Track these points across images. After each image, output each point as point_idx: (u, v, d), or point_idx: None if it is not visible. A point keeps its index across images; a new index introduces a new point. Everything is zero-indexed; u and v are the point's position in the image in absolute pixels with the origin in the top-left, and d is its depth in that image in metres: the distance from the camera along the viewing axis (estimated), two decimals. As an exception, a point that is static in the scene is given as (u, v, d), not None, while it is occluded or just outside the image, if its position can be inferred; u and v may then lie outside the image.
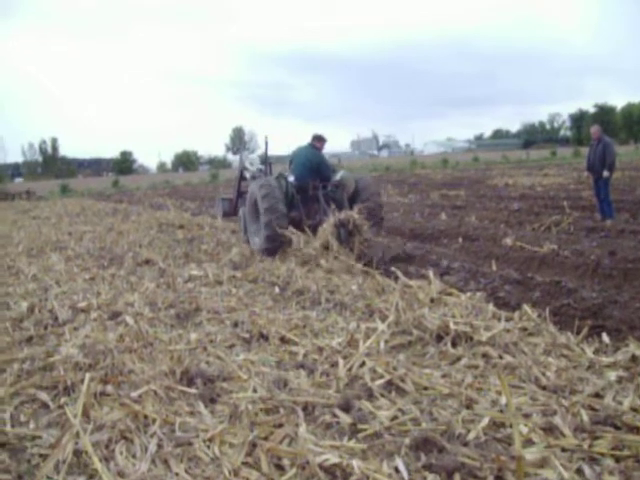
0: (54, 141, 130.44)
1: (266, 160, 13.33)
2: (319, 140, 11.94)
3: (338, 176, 11.63)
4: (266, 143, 13.54)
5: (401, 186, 26.92)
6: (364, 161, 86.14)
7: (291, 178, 11.48)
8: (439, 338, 5.76)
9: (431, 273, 7.74)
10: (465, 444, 3.79)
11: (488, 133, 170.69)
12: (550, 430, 3.92)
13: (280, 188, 11.06)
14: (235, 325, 6.59)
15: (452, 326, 5.79)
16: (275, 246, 10.59)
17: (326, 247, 9.85)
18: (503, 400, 4.30)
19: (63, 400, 4.85)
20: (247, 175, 13.38)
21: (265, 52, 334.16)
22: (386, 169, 53.79)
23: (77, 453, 3.90)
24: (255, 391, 4.75)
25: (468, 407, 4.32)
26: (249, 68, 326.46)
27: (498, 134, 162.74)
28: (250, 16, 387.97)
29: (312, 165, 11.41)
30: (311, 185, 11.24)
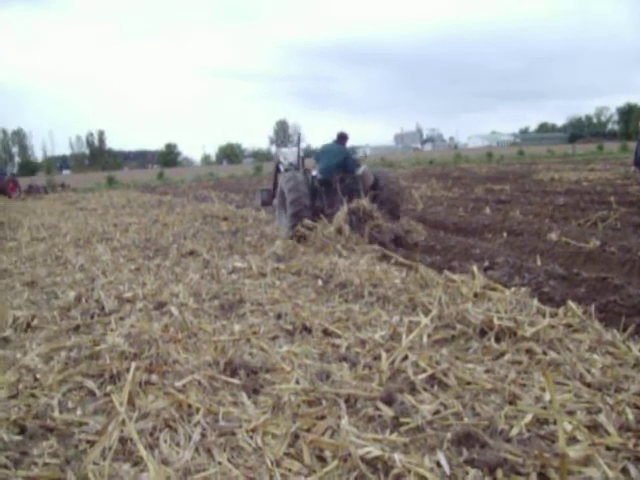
0: (101, 134, 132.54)
1: (298, 154, 14.00)
2: (343, 137, 13.13)
3: (360, 170, 12.60)
4: (298, 138, 15.20)
5: (445, 180, 26.77)
6: (407, 155, 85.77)
7: (314, 172, 12.61)
8: (482, 333, 5.72)
9: (475, 267, 7.69)
10: (508, 440, 3.76)
11: (533, 127, 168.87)
12: (594, 428, 3.87)
13: (306, 181, 12.19)
14: (278, 317, 6.63)
15: (496, 321, 5.74)
16: (299, 234, 11.44)
17: (340, 232, 10.88)
18: (547, 397, 4.26)
19: (109, 388, 4.92)
20: (281, 168, 14.32)
21: (309, 45, 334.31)
22: (430, 163, 53.55)
23: (122, 440, 3.95)
24: (298, 383, 4.77)
25: (511, 403, 4.28)
26: (293, 61, 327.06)
27: (544, 128, 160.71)
28: (294, 9, 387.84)
29: (338, 160, 12.43)
30: (335, 178, 12.23)
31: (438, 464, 3.52)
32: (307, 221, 11.49)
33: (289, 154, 14.61)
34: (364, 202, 11.39)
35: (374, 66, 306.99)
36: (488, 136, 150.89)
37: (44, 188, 40.46)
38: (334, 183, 12.23)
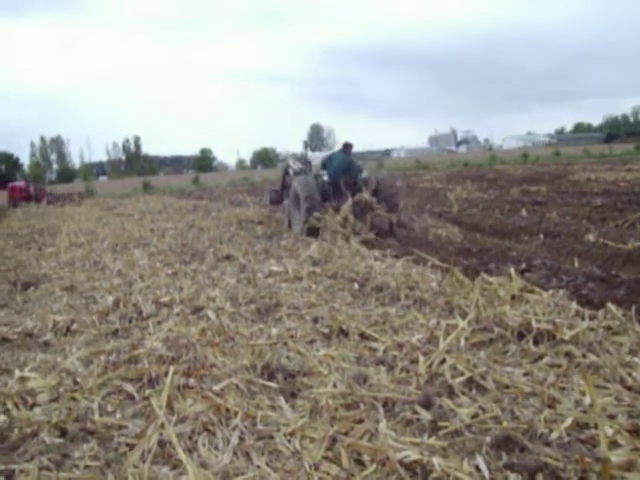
0: (137, 140, 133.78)
1: (305, 160, 15.94)
2: (348, 146, 14.80)
3: (363, 175, 14.56)
4: (305, 146, 16.37)
5: (480, 182, 26.59)
6: (442, 157, 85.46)
7: (325, 177, 14.30)
8: (520, 336, 5.68)
9: (512, 270, 7.63)
10: (547, 444, 3.72)
11: (569, 127, 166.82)
12: (636, 432, 3.82)
13: (317, 184, 14.09)
14: (315, 321, 6.64)
15: (534, 324, 5.70)
16: (312, 229, 13.15)
17: (346, 220, 12.86)
18: (587, 400, 4.21)
19: (148, 392, 4.95)
20: (290, 172, 16.26)
21: (343, 48, 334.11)
22: (464, 165, 53.26)
23: (162, 443, 3.98)
24: (335, 386, 4.77)
25: (550, 407, 4.25)
26: (327, 65, 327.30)
27: (579, 128, 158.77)
28: (327, 13, 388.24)
29: (343, 166, 14.34)
30: (341, 181, 14.04)
31: (477, 468, 3.50)
32: (317, 214, 13.21)
33: (314, 157, 15.96)
34: (365, 196, 13.46)
35: (408, 68, 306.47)
36: (523, 137, 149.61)
37: (66, 196, 40.65)
38: (341, 185, 14.00)
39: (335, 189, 14.13)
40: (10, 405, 4.85)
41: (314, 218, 13.16)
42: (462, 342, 5.56)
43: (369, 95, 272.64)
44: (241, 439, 4.05)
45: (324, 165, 14.83)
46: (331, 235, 12.44)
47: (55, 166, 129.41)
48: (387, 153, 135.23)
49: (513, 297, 6.75)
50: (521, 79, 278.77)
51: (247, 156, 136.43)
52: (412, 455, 3.61)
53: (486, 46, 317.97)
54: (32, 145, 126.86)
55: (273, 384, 4.95)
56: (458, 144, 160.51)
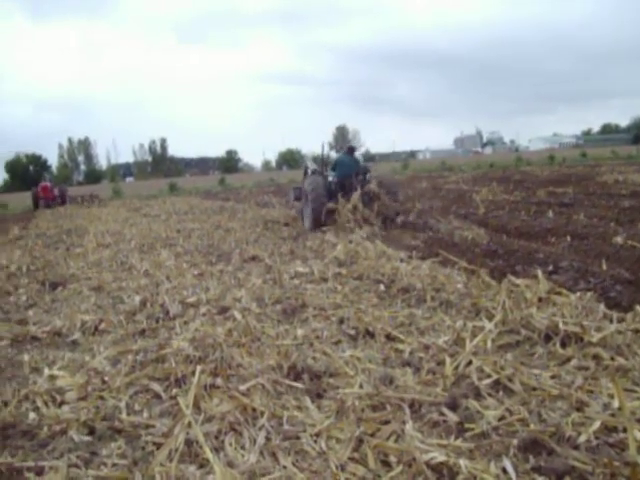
0: (163, 141, 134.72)
1: (322, 161, 17.68)
2: (352, 149, 17.52)
3: (368, 176, 16.21)
4: (322, 148, 17.76)
5: (506, 183, 26.40)
6: (467, 158, 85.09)
7: (330, 178, 16.04)
8: (548, 338, 5.64)
9: (539, 272, 7.59)
10: (575, 447, 3.70)
11: (596, 128, 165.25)
12: (666, 436, 3.79)
13: (324, 183, 15.57)
14: (341, 322, 6.65)
15: (561, 326, 5.66)
16: (318, 223, 14.79)
17: (355, 208, 14.72)
18: (615, 403, 4.17)
19: (175, 391, 4.99)
20: (309, 172, 17.51)
21: (368, 50, 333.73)
22: (490, 166, 52.94)
23: (188, 443, 4.01)
24: (361, 387, 4.78)
25: (578, 409, 4.21)
26: (352, 66, 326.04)
27: (607, 129, 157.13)
28: (352, 15, 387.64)
29: (350, 167, 16.07)
30: (348, 181, 15.71)
31: (504, 471, 3.49)
32: (331, 204, 14.97)
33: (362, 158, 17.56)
34: (373, 187, 15.34)
35: (433, 69, 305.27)
36: (549, 138, 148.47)
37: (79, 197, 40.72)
38: (352, 181, 15.67)
39: (344, 186, 15.70)
40: (40, 403, 4.93)
41: (321, 217, 14.81)
42: (489, 344, 5.53)
43: (395, 96, 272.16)
44: (267, 439, 4.07)
45: (334, 166, 16.62)
46: (341, 224, 14.44)
47: (83, 167, 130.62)
48: (412, 154, 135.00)
49: (540, 299, 6.71)
50: (548, 79, 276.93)
51: (272, 157, 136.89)
52: (439, 457, 3.61)
53: (513, 47, 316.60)
54: (60, 147, 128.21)
55: (299, 384, 4.96)
56: (484, 145, 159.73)
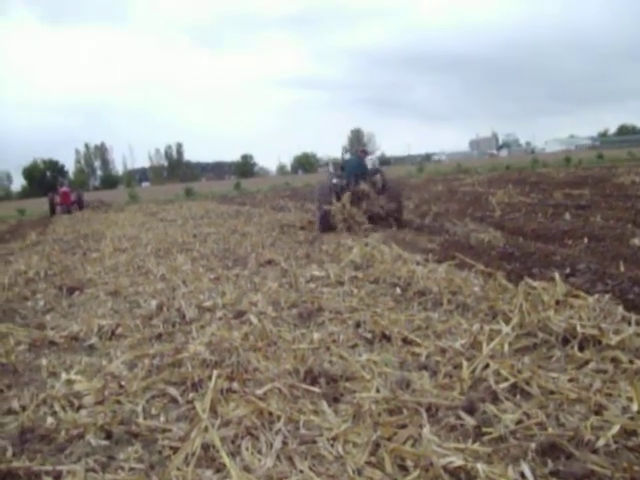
0: (179, 146, 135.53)
1: (342, 164, 17.99)
2: (364, 152, 18.19)
3: (374, 177, 16.64)
4: (345, 151, 19.36)
5: (522, 185, 26.25)
6: (483, 160, 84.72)
7: (334, 180, 16.56)
8: (565, 341, 5.60)
9: (556, 274, 7.55)
10: (594, 451, 3.67)
11: (613, 129, 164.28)
12: (686, 439, 3.75)
13: (331, 185, 16.24)
14: (357, 325, 6.63)
15: (579, 329, 5.62)
16: (325, 225, 15.32)
17: (344, 207, 15.28)
18: (634, 407, 4.13)
19: (191, 395, 5.02)
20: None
21: (382, 53, 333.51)
22: (506, 168, 52.72)
23: (205, 447, 4.01)
24: (378, 391, 4.76)
25: (597, 413, 4.17)
26: (367, 70, 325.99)
27: (624, 130, 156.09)
28: (367, 18, 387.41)
29: (356, 167, 16.88)
30: (359, 180, 16.34)
31: (522, 475, 3.47)
32: (326, 206, 15.36)
33: (369, 161, 17.70)
34: (363, 186, 16.00)
35: (448, 72, 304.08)
36: (566, 140, 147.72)
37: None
38: (359, 183, 16.21)
39: (349, 188, 16.19)
40: (57, 407, 4.96)
41: (328, 219, 15.33)
42: (506, 347, 5.50)
43: (411, 99, 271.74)
44: (284, 443, 4.06)
45: (342, 168, 17.39)
46: (337, 223, 15.19)
47: (99, 173, 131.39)
48: (428, 157, 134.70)
49: (557, 302, 6.66)
50: (563, 81, 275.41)
51: (288, 161, 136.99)
52: (456, 461, 3.59)
53: (527, 48, 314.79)
54: (77, 152, 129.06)
55: (316, 389, 4.96)
56: (499, 148, 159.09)
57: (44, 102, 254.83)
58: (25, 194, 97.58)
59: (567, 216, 14.84)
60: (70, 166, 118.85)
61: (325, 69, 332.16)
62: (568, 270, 8.57)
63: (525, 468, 3.51)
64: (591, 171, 35.98)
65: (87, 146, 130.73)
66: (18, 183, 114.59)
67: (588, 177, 28.99)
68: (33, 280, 11.60)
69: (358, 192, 15.89)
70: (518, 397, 4.56)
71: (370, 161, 17.67)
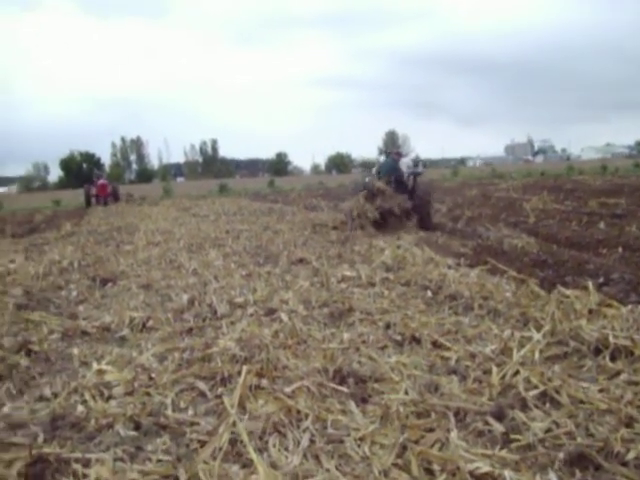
0: (214, 142, 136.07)
1: (377, 165, 18.47)
2: (397, 154, 18.30)
3: (405, 177, 17.10)
4: (380, 152, 19.94)
5: (557, 192, 26.01)
6: (518, 166, 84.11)
7: (367, 179, 17.10)
8: (597, 351, 5.54)
9: (589, 283, 7.48)
10: (624, 464, 3.63)
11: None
12: None
13: (362, 184, 16.64)
14: (387, 327, 6.63)
15: (611, 339, 5.56)
16: (355, 224, 15.54)
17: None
18: (666, 420, 4.11)
19: (220, 390, 5.04)
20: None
21: (418, 54, 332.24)
22: (541, 174, 52.29)
23: (232, 442, 4.04)
24: (407, 393, 4.75)
25: (627, 425, 4.11)
26: (402, 70, 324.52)
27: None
28: (402, 19, 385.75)
29: (389, 169, 17.08)
30: (391, 181, 16.53)
31: (550, 484, 3.45)
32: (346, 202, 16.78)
33: (403, 163, 17.97)
34: (378, 184, 16.20)
35: (485, 75, 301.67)
36: (602, 148, 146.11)
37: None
38: (391, 184, 16.39)
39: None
40: (88, 396, 5.01)
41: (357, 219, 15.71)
42: (536, 355, 5.46)
43: (446, 102, 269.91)
44: (311, 441, 4.07)
45: (378, 171, 17.48)
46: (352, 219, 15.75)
47: (134, 167, 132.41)
48: (462, 161, 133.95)
49: (590, 311, 6.60)
50: (600, 87, 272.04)
51: (322, 161, 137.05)
52: (483, 467, 3.58)
53: (564, 53, 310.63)
54: (113, 146, 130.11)
55: (344, 388, 4.96)
56: (535, 154, 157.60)
57: (82, 95, 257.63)
58: (61, 185, 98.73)
59: (602, 225, 14.68)
60: (106, 159, 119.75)
61: (361, 70, 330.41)
62: (602, 279, 8.49)
63: (553, 477, 3.49)
64: (627, 180, 35.51)
65: (123, 140, 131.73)
66: (55, 174, 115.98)
67: (624, 186, 28.63)
68: (67, 270, 11.72)
69: (374, 189, 16.03)
70: (547, 405, 4.52)
71: (404, 164, 17.75)
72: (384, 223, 15.76)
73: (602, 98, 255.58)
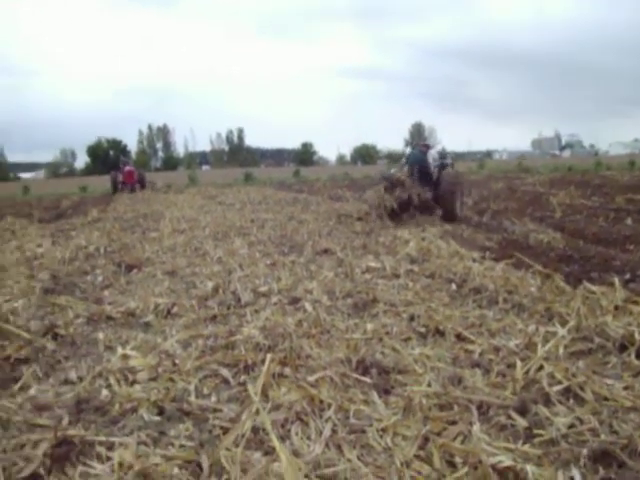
0: (240, 131, 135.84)
1: (405, 157, 18.73)
2: (425, 146, 17.91)
3: (431, 168, 16.98)
4: (406, 144, 19.88)
5: (584, 188, 25.76)
6: (545, 160, 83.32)
7: (393, 170, 17.90)
8: (622, 348, 5.50)
9: (616, 279, 7.42)
10: (648, 462, 3.62)
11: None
12: None
13: (386, 175, 17.08)
14: (411, 319, 6.62)
15: (637, 336, 5.52)
16: (384, 210, 15.79)
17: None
18: (692, 418, 4.07)
19: (243, 378, 5.07)
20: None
21: (445, 47, 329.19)
22: (568, 169, 51.81)
23: (255, 429, 4.06)
24: (430, 386, 4.76)
25: (652, 423, 4.11)
26: (428, 63, 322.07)
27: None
28: (430, 10, 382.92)
29: (416, 161, 17.01)
30: (415, 172, 16.61)
31: (572, 480, 3.43)
32: (372, 193, 16.64)
33: (430, 155, 17.61)
34: (398, 174, 16.57)
35: (512, 69, 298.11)
36: (630, 144, 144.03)
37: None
38: (413, 177, 16.49)
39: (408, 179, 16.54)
40: (112, 380, 5.07)
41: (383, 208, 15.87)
42: (561, 350, 5.43)
43: (472, 95, 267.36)
44: (333, 431, 4.09)
45: (406, 160, 17.85)
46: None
47: (160, 154, 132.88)
48: (489, 154, 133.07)
49: (616, 307, 6.55)
50: (630, 82, 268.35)
51: (347, 151, 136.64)
52: (505, 461, 3.57)
53: (595, 47, 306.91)
54: (140, 133, 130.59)
55: (367, 379, 4.97)
56: (562, 148, 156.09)
57: (110, 83, 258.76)
58: (88, 171, 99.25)
59: (629, 221, 14.54)
60: (133, 146, 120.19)
61: (387, 60, 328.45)
62: (628, 276, 8.41)
63: (576, 473, 3.47)
64: (656, 176, 35.11)
65: (150, 127, 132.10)
66: (82, 160, 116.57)
67: (653, 182, 28.31)
68: (93, 256, 11.84)
69: (393, 180, 16.20)
70: (571, 401, 4.50)
71: (431, 155, 17.55)
72: (401, 214, 15.90)
73: (632, 93, 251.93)
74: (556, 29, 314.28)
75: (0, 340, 6.21)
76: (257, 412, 4.18)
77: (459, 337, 6.01)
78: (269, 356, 5.10)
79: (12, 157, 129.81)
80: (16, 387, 5.11)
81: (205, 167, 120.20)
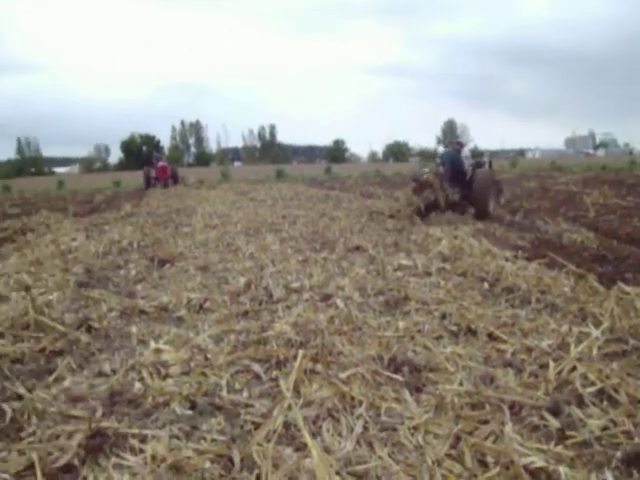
0: (272, 128, 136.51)
1: (439, 155, 19.64)
2: (458, 144, 18.09)
3: (465, 167, 16.96)
4: (438, 142, 19.85)
5: (619, 187, 25.46)
6: (579, 159, 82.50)
7: (426, 169, 17.34)
8: (657, 350, 5.46)
9: (651, 281, 7.34)
10: (683, 466, 3.57)
11: None
12: None
13: (416, 175, 17.04)
14: (443, 317, 6.59)
15: (672, 339, 5.48)
16: (411, 210, 15.90)
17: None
18: None
19: (275, 373, 5.09)
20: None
21: (478, 44, 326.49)
22: (602, 168, 51.24)
23: (286, 425, 4.08)
24: (461, 384, 4.74)
25: (687, 427, 4.06)
26: (461, 60, 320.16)
27: None
28: (462, 7, 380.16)
29: (449, 159, 16.94)
30: (448, 171, 16.57)
31: (605, 482, 3.41)
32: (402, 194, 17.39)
33: (464, 153, 17.98)
34: (427, 176, 16.34)
35: (546, 66, 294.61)
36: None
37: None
38: (446, 175, 16.49)
39: (442, 177, 16.51)
40: (145, 374, 5.11)
41: (415, 207, 15.98)
42: (594, 351, 5.37)
43: (505, 92, 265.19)
44: (365, 428, 4.09)
45: (441, 159, 17.66)
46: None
47: (193, 150, 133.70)
48: (521, 153, 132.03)
49: (651, 309, 6.49)
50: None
51: (379, 149, 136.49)
52: (537, 462, 3.55)
53: (631, 45, 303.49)
54: (173, 129, 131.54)
55: (399, 377, 4.96)
56: (596, 147, 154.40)
57: (144, 79, 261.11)
58: (122, 166, 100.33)
59: (665, 221, 14.35)
60: (166, 142, 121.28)
61: (417, 57, 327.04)
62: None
63: (609, 476, 3.45)
64: (693, 176, 34.60)
65: (183, 123, 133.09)
66: (116, 156, 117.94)
67: (689, 182, 27.91)
68: (126, 250, 11.94)
69: (422, 181, 16.24)
70: (605, 403, 4.45)
71: (464, 153, 17.73)
72: (427, 214, 15.91)
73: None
74: (594, 27, 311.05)
75: (35, 332, 6.29)
76: (289, 408, 4.20)
77: (491, 336, 5.97)
78: (301, 352, 5.11)
79: (47, 152, 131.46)
80: (51, 378, 5.17)
81: (237, 163, 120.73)
